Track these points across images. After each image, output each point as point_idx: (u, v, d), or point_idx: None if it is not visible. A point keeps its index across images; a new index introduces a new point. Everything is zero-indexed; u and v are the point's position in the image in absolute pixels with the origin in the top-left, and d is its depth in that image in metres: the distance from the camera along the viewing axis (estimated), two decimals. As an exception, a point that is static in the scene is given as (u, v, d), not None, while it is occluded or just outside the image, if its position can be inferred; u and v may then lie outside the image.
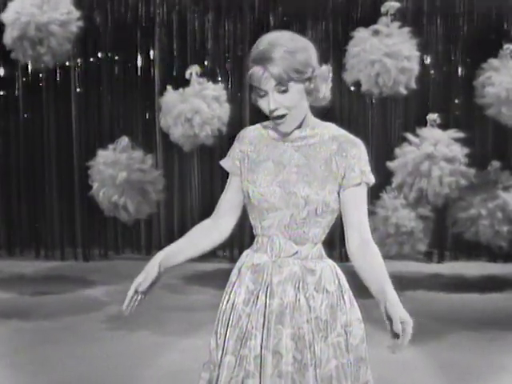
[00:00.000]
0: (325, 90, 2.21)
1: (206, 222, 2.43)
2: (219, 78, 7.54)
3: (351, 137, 2.26)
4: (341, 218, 2.30)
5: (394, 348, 2.06)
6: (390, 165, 6.27)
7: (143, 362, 4.63)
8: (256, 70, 2.13)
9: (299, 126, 2.24)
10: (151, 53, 7.84)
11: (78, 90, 7.83)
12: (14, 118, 7.94)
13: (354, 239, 2.24)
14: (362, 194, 2.24)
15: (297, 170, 2.22)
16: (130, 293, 2.37)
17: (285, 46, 2.11)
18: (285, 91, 2.13)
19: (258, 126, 2.35)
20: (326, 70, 2.21)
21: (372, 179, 2.25)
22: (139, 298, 2.40)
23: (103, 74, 7.86)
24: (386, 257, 6.22)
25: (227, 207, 2.38)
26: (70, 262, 7.79)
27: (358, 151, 2.22)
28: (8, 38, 6.12)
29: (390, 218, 6.23)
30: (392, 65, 5.96)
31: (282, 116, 2.17)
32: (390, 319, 2.08)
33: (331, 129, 2.27)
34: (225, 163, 2.37)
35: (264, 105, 2.17)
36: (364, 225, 2.24)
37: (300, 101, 2.17)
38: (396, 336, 2.05)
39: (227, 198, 2.38)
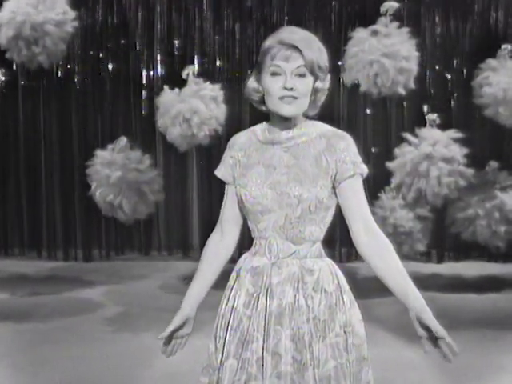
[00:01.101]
0: (323, 98, 2.28)
1: (213, 242, 2.42)
2: (216, 78, 7.57)
3: (338, 131, 2.27)
4: (340, 218, 2.30)
5: (448, 356, 2.14)
6: (390, 165, 6.26)
7: (142, 362, 4.62)
8: (284, 49, 2.16)
9: (288, 127, 2.25)
10: (151, 52, 7.85)
11: (77, 90, 7.83)
12: (13, 118, 7.93)
13: (360, 233, 2.22)
14: (358, 185, 2.24)
15: (287, 171, 2.22)
16: (164, 335, 2.39)
17: (317, 42, 2.22)
18: (303, 76, 2.17)
19: (247, 131, 2.37)
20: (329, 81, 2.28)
21: (365, 169, 2.24)
22: (177, 342, 2.44)
23: (104, 73, 7.85)
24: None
25: (229, 218, 2.38)
26: (70, 262, 7.78)
27: (346, 144, 2.23)
28: (3, 37, 6.09)
29: (388, 218, 6.22)
30: (390, 65, 5.95)
31: (292, 99, 2.18)
32: (426, 329, 2.17)
33: (318, 126, 2.28)
34: (218, 172, 2.38)
35: (276, 83, 2.18)
36: (367, 215, 2.23)
37: (308, 95, 2.21)
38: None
39: (227, 209, 2.38)
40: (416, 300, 2.17)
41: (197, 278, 2.41)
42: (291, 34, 2.19)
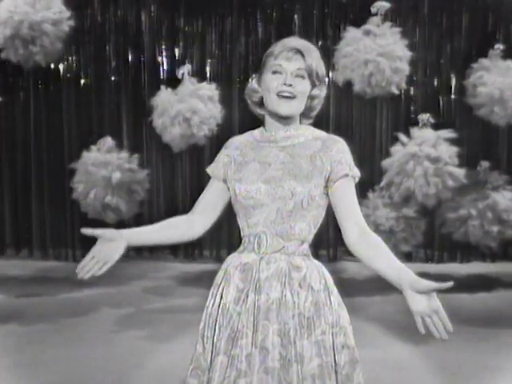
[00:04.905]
0: (318, 106, 2.37)
1: (181, 217, 2.47)
2: (209, 78, 7.61)
3: (333, 136, 2.35)
4: (328, 218, 2.34)
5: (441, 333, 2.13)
6: (383, 164, 6.28)
7: (133, 362, 4.63)
8: (286, 50, 2.28)
9: (284, 127, 2.32)
10: (142, 53, 7.87)
11: (68, 90, 7.84)
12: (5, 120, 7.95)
13: (352, 230, 2.27)
14: (351, 186, 2.30)
15: (282, 167, 2.29)
16: (87, 232, 2.36)
17: (317, 52, 2.33)
18: (302, 77, 2.27)
19: (245, 133, 2.44)
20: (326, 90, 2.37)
21: (358, 173, 2.31)
22: (102, 265, 2.43)
23: (93, 73, 7.86)
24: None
25: (204, 207, 2.43)
26: (61, 262, 7.77)
27: (341, 146, 2.31)
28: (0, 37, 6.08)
29: (370, 216, 6.24)
30: (386, 65, 5.97)
31: (290, 97, 2.26)
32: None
33: (313, 130, 2.37)
34: (209, 168, 2.44)
35: (276, 81, 2.28)
36: (358, 214, 2.29)
37: (305, 96, 2.30)
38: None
39: (205, 198, 2.43)
40: (408, 273, 2.17)
41: (144, 227, 2.48)
42: (295, 40, 2.33)
